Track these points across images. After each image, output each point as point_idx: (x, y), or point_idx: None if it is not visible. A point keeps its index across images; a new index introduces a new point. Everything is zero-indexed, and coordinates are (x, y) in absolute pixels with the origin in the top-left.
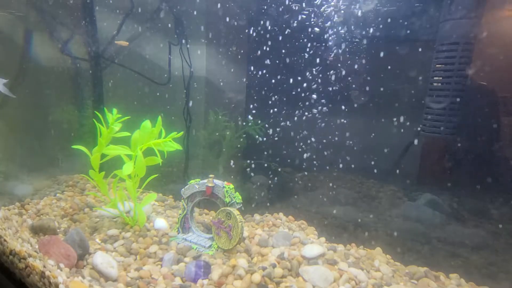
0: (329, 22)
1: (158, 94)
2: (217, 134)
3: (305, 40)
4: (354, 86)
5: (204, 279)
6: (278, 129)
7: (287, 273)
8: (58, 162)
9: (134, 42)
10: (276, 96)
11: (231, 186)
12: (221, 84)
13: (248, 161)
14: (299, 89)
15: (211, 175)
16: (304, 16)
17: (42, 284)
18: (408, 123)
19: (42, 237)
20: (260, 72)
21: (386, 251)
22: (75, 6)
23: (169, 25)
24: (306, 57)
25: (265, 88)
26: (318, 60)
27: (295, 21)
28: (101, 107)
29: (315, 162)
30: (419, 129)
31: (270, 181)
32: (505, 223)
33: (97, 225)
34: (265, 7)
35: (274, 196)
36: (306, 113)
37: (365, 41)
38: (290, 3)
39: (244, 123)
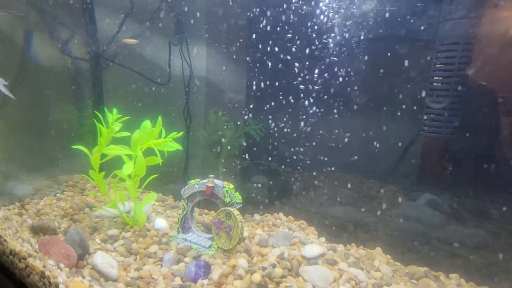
0: (329, 22)
1: (158, 94)
2: (219, 133)
3: (305, 40)
4: (354, 86)
5: (204, 279)
6: (278, 129)
7: (287, 273)
8: (58, 162)
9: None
10: (276, 96)
11: (231, 186)
12: (221, 84)
13: (248, 161)
14: (299, 89)
15: (211, 175)
16: (304, 16)
17: (42, 284)
18: (408, 123)
19: (42, 237)
20: (260, 72)
21: (386, 251)
22: (75, 6)
23: (169, 25)
24: (306, 57)
25: (265, 88)
26: (318, 60)
27: (295, 21)
28: (101, 107)
29: (315, 162)
30: (419, 129)
31: (270, 181)
32: (506, 223)
33: (97, 225)
34: (265, 7)
35: (274, 196)
36: (306, 113)
37: (365, 41)
38: (290, 3)
39: (244, 123)
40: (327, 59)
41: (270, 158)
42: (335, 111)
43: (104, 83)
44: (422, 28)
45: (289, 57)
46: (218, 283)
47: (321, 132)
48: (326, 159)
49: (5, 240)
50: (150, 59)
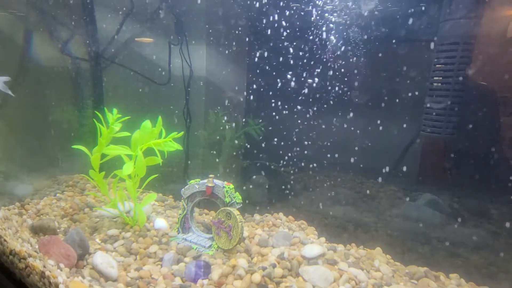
0: (329, 22)
1: (158, 94)
2: (218, 135)
3: (305, 40)
4: (354, 86)
5: (204, 279)
6: (278, 129)
7: (287, 273)
8: (58, 162)
9: (134, 42)
10: (276, 96)
11: (231, 186)
12: (221, 84)
13: (248, 161)
14: (299, 89)
15: (211, 175)
16: (304, 16)
17: (42, 284)
18: (408, 123)
19: (42, 237)
20: (260, 72)
21: (386, 251)
22: (75, 6)
23: (169, 25)
24: (306, 57)
25: (265, 88)
26: (318, 60)
27: (295, 21)
28: (101, 107)
29: (315, 162)
30: (419, 129)
31: (270, 181)
32: (506, 223)
33: (97, 225)
34: (265, 7)
35: (274, 196)
36: (306, 113)
37: (365, 41)
38: (291, 3)
39: (244, 123)
40: (327, 59)
41: (270, 158)
42: (335, 111)
43: (104, 83)
44: (422, 28)
45: (289, 57)
46: (218, 283)
47: (321, 132)
48: (326, 159)
49: (5, 240)
50: (150, 59)
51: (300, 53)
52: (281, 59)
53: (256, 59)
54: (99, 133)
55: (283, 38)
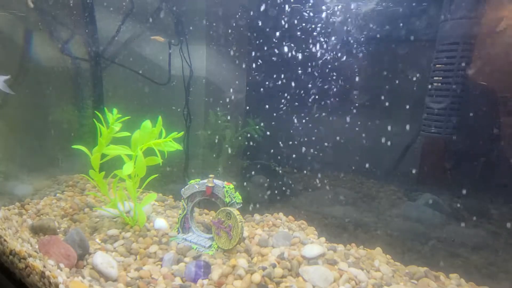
0: (329, 22)
1: (158, 94)
2: (218, 135)
3: (305, 39)
4: (354, 86)
5: (204, 279)
6: (278, 129)
7: (287, 273)
8: (58, 162)
9: (134, 42)
10: (276, 96)
11: (231, 186)
12: (221, 84)
13: (248, 161)
14: (299, 89)
15: (211, 175)
16: (304, 16)
17: (42, 284)
18: (408, 123)
19: (42, 237)
20: (260, 72)
21: (386, 251)
22: (75, 6)
23: (169, 25)
24: (305, 57)
25: (265, 88)
26: (318, 60)
27: (296, 21)
28: (101, 107)
29: (315, 162)
30: (419, 129)
31: (270, 181)
32: (505, 223)
33: (97, 225)
34: (266, 7)
35: (274, 196)
36: (306, 113)
37: (365, 41)
38: (291, 3)
39: (244, 123)
40: (327, 59)
41: (270, 158)
42: (335, 111)
43: (104, 83)
44: (422, 28)
45: (289, 57)
46: (218, 283)
47: (321, 132)
48: (326, 159)
49: (5, 240)
50: (150, 59)
51: (300, 53)
52: (281, 59)
53: (256, 59)
54: (99, 133)
55: (283, 38)
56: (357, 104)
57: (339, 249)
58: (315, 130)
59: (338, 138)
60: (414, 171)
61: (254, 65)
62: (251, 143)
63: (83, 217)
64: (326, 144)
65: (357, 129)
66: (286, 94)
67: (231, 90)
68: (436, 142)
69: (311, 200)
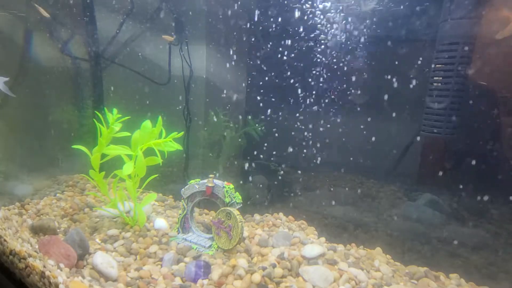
0: (329, 22)
1: (158, 94)
2: (218, 135)
3: (305, 40)
4: (354, 86)
5: (204, 279)
6: (278, 129)
7: (287, 273)
8: (58, 162)
9: (134, 42)
10: (276, 96)
11: (231, 186)
12: (221, 84)
13: (248, 161)
14: (299, 89)
15: (211, 175)
16: (304, 16)
17: (42, 284)
18: (408, 123)
19: (42, 237)
20: (260, 72)
21: (386, 251)
22: (75, 6)
23: (169, 25)
24: (305, 57)
25: (265, 88)
26: (318, 60)
27: (296, 21)
28: (101, 107)
29: (315, 162)
30: (419, 129)
31: (270, 181)
32: (505, 223)
33: (97, 225)
34: (266, 7)
35: (274, 196)
36: (306, 113)
37: (365, 41)
38: (291, 3)
39: (244, 123)
40: (327, 59)
41: (270, 158)
42: (335, 111)
43: (104, 83)
44: (422, 28)
45: (289, 57)
46: (218, 283)
47: (321, 132)
48: (326, 159)
49: (5, 240)
50: (150, 59)
51: (300, 53)
52: (281, 59)
53: (256, 59)
54: (99, 133)
55: (283, 38)
56: (357, 104)
57: (339, 249)
58: (315, 130)
59: (338, 138)
60: (414, 171)
61: (254, 65)
62: (251, 143)
63: (83, 217)
64: (326, 144)
65: (357, 129)
66: (286, 94)
67: (231, 90)
68: (436, 142)
69: (311, 200)
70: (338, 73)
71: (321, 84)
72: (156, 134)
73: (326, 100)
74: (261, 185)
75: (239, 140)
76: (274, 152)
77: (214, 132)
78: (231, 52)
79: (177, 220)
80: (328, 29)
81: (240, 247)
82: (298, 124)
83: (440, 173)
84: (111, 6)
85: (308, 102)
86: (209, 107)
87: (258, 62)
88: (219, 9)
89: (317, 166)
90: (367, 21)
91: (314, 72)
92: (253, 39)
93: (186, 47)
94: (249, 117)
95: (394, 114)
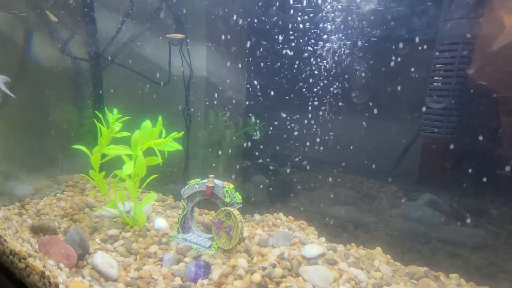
0: (329, 22)
1: (158, 94)
2: (218, 135)
3: (305, 39)
4: (354, 86)
5: (204, 279)
6: (278, 129)
7: (287, 273)
8: (58, 162)
9: (134, 42)
10: (276, 96)
11: (231, 186)
12: (221, 84)
13: (248, 161)
14: (299, 89)
15: (211, 175)
16: (304, 16)
17: (42, 284)
18: (408, 123)
19: (42, 237)
20: (260, 72)
21: (386, 251)
22: (75, 6)
23: (169, 25)
24: (306, 56)
25: (265, 88)
26: (318, 60)
27: (296, 21)
28: (101, 107)
29: (315, 162)
30: (419, 129)
31: (270, 181)
32: (506, 223)
33: (97, 225)
34: (266, 7)
35: (274, 196)
36: (306, 113)
37: (365, 42)
38: (291, 3)
39: (244, 123)
40: (327, 59)
41: (270, 158)
42: (335, 111)
43: (104, 83)
44: (422, 28)
45: (289, 57)
46: (218, 283)
47: (321, 132)
48: (326, 159)
49: (5, 240)
50: (150, 59)
51: (300, 53)
52: (281, 59)
53: (256, 58)
54: (99, 133)
55: (283, 37)
56: (357, 104)
57: (339, 249)
58: (315, 130)
59: (338, 138)
60: (414, 171)
61: (254, 65)
62: (251, 143)
63: (83, 217)
64: (326, 144)
65: (357, 129)
66: (286, 94)
67: (231, 90)
68: (436, 142)
69: (311, 200)
70: (338, 73)
71: (321, 84)
72: (156, 134)
73: (326, 100)
74: (261, 185)
75: (239, 140)
76: (274, 152)
77: (214, 132)
78: (231, 52)
79: (177, 220)
80: (328, 28)
81: (240, 247)
82: (298, 124)
83: (440, 173)
84: (111, 6)
85: (308, 102)
86: (209, 107)
87: (258, 62)
88: (219, 9)
89: (317, 166)
90: (367, 21)
91: (314, 72)
92: (253, 39)
93: (186, 47)
94: (249, 117)
95: (394, 114)
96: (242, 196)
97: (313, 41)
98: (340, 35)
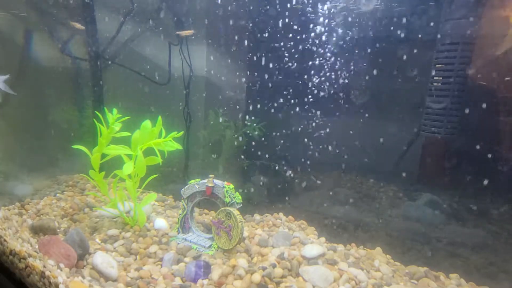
0: (329, 22)
1: (158, 94)
2: (218, 135)
3: (305, 39)
4: (354, 86)
5: (204, 279)
6: (278, 129)
7: (287, 273)
8: (58, 162)
9: (134, 42)
10: (276, 96)
11: (231, 186)
12: (221, 84)
13: (248, 161)
14: (299, 89)
15: (211, 175)
16: (304, 16)
17: (42, 284)
18: (408, 123)
19: (42, 237)
20: (260, 72)
21: (386, 251)
22: (75, 6)
23: (170, 25)
24: (305, 56)
25: (265, 88)
26: (317, 60)
27: (296, 20)
28: (101, 107)
29: (315, 162)
30: (419, 129)
31: (270, 181)
32: (506, 223)
33: (97, 225)
34: (266, 7)
35: (274, 196)
36: (307, 113)
37: (365, 41)
38: (292, 2)
39: (244, 123)
40: (327, 59)
41: (270, 158)
42: (335, 111)
43: (104, 83)
44: (422, 28)
45: (289, 57)
46: (218, 283)
47: (321, 132)
48: (326, 159)
49: (5, 240)
50: (150, 59)
51: (300, 53)
52: (281, 58)
53: (256, 58)
54: (99, 133)
55: (283, 37)
56: (357, 104)
57: (339, 249)
58: (316, 130)
59: (338, 138)
60: (414, 171)
61: (254, 65)
62: (251, 143)
63: (83, 217)
64: (326, 144)
65: (357, 129)
66: (286, 94)
67: (231, 89)
68: (436, 142)
69: (311, 200)
70: (338, 73)
71: (321, 84)
72: (156, 134)
73: (327, 100)
74: (261, 185)
75: (239, 140)
76: (274, 152)
77: (214, 132)
78: (231, 52)
79: (177, 220)
80: (328, 28)
81: (240, 247)
82: (298, 124)
83: (440, 173)
84: (111, 6)
85: (308, 102)
86: (209, 107)
87: (258, 62)
88: (219, 9)
89: (317, 166)
90: (367, 21)
91: (314, 71)
92: (253, 39)
93: (186, 47)
94: (249, 117)
95: (394, 114)
96: (242, 196)
97: (313, 40)
98: (340, 34)
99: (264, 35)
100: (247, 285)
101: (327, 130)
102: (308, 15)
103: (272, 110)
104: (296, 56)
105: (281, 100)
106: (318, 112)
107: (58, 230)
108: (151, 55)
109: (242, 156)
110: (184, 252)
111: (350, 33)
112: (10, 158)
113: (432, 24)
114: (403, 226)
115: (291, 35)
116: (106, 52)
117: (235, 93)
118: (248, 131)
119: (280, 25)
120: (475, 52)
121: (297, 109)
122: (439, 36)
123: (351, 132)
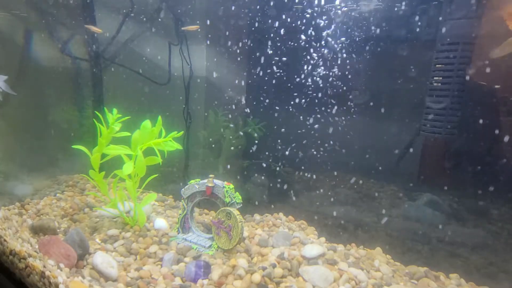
0: (329, 22)
1: (158, 94)
2: (218, 135)
3: (305, 39)
4: (354, 86)
5: (204, 279)
6: (278, 129)
7: (287, 273)
8: (58, 162)
9: (134, 42)
10: (276, 96)
11: (231, 186)
12: (221, 84)
13: (248, 161)
14: (299, 89)
15: (211, 175)
16: (304, 16)
17: (42, 284)
18: (408, 123)
19: (42, 237)
20: (260, 72)
21: (386, 251)
22: (75, 6)
23: (169, 25)
24: (306, 56)
25: (265, 88)
26: (318, 59)
27: (296, 21)
28: (101, 107)
29: (315, 162)
30: (419, 129)
31: (270, 181)
32: (505, 223)
33: (97, 225)
34: (266, 7)
35: (274, 196)
36: (307, 113)
37: (365, 41)
38: (291, 2)
39: (244, 123)
40: (327, 59)
41: (270, 158)
42: (335, 110)
43: (104, 83)
44: (422, 28)
45: (289, 57)
46: (218, 283)
47: (321, 132)
48: (326, 159)
49: (5, 240)
50: (150, 59)
51: (300, 53)
52: (281, 58)
53: (256, 58)
54: (99, 133)
55: (283, 37)
56: (357, 104)
57: (339, 249)
58: (315, 130)
59: (338, 138)
60: (414, 171)
61: (254, 65)
62: (251, 143)
63: (83, 217)
64: (326, 144)
65: (357, 129)
66: (286, 94)
67: (231, 90)
68: (436, 142)
69: (311, 200)
70: (338, 73)
71: (321, 84)
72: (156, 134)
73: (327, 100)
74: (261, 185)
75: (239, 140)
76: (274, 152)
77: (214, 132)
78: (231, 52)
79: (177, 220)
80: (328, 28)
81: (240, 247)
82: (298, 124)
83: (440, 173)
84: (111, 6)
85: (308, 102)
86: (209, 107)
87: (258, 62)
88: (219, 9)
89: (317, 166)
90: (368, 21)
91: (314, 72)
92: (253, 39)
93: (186, 47)
94: (249, 117)
95: (394, 114)
96: (242, 196)
97: (313, 41)
98: (340, 34)
99: (264, 35)
100: (247, 285)
101: (327, 130)
102: (308, 15)
103: (272, 110)
104: (296, 56)
105: (281, 100)
106: (318, 112)
107: (58, 230)
108: (151, 55)
109: (242, 156)
110: (184, 252)
111: (350, 33)
112: (10, 158)
113: (432, 24)
114: (403, 226)
115: (291, 34)
116: (106, 52)
117: (235, 93)
118: (248, 131)
119: (280, 25)
120: (475, 52)
121: (297, 109)
122: (439, 36)
123: (351, 132)
